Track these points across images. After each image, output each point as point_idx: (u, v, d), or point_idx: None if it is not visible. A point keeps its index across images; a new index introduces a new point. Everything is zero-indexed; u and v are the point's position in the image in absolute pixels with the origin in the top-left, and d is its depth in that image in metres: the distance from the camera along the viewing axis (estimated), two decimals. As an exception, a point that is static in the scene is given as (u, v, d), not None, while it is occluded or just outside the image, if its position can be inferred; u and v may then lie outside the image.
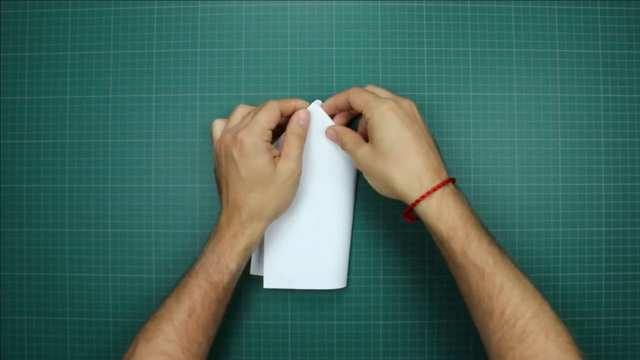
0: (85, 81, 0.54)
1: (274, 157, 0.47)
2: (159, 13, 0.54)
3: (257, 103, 0.54)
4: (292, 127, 0.48)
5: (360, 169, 0.47)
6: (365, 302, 0.54)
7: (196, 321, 0.44)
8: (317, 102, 0.50)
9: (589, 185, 0.54)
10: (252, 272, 0.53)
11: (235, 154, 0.46)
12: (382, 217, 0.54)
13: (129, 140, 0.54)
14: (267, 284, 0.51)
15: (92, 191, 0.54)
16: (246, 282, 0.54)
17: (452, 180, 0.44)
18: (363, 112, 0.46)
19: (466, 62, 0.54)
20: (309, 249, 0.51)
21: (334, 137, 0.50)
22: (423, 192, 0.43)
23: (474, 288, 0.41)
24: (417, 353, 0.53)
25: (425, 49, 0.54)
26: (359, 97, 0.46)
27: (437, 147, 0.46)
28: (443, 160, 0.46)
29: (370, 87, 0.49)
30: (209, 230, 0.54)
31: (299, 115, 0.48)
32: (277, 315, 0.54)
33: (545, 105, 0.54)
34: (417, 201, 0.43)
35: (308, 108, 0.50)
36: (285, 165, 0.46)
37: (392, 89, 0.54)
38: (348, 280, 0.54)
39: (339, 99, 0.49)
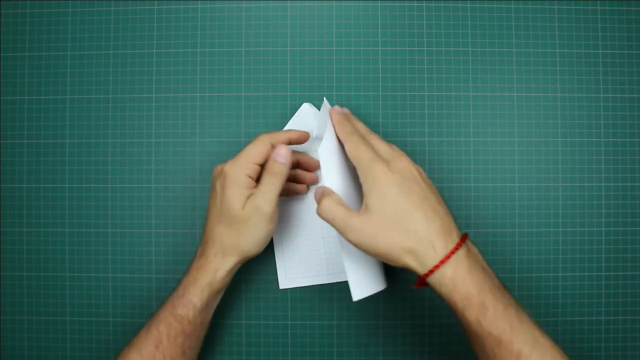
0: (85, 81, 0.54)
1: (248, 197, 0.45)
2: (159, 13, 0.54)
3: (257, 103, 0.54)
4: (269, 164, 0.45)
5: (354, 245, 0.41)
6: (365, 302, 0.54)
7: (162, 353, 0.44)
8: (307, 104, 0.52)
9: (589, 185, 0.54)
10: (282, 286, 0.52)
11: (218, 185, 0.46)
12: (382, 217, 0.54)
13: (129, 140, 0.54)
14: (282, 285, 0.51)
15: (92, 191, 0.54)
16: (246, 282, 0.54)
17: (464, 239, 0.41)
18: (355, 166, 0.42)
19: (466, 62, 0.54)
20: (318, 244, 0.51)
21: (318, 197, 0.43)
22: (437, 261, 0.39)
23: (491, 356, 0.39)
24: (417, 353, 0.53)
25: (425, 49, 0.54)
26: (354, 150, 0.42)
27: (446, 205, 0.42)
28: (452, 215, 0.42)
29: (372, 141, 0.44)
30: (209, 230, 0.54)
31: (278, 152, 0.45)
32: (277, 315, 0.54)
33: (545, 105, 0.54)
34: (431, 271, 0.39)
35: (301, 108, 0.51)
36: (252, 203, 0.44)
37: (392, 89, 0.54)
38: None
39: (341, 134, 0.45)
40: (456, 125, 0.54)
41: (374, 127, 0.52)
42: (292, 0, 0.54)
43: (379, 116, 0.53)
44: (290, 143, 0.47)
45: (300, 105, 0.52)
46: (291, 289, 0.53)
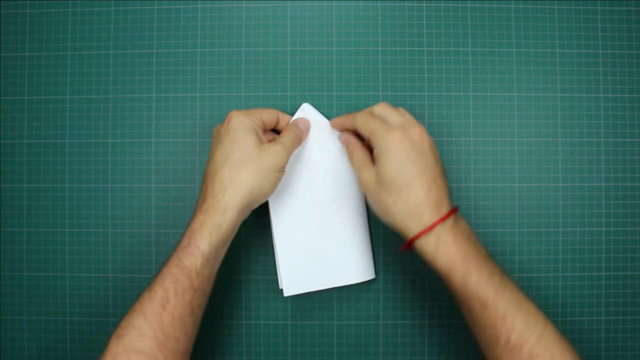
0: (85, 81, 0.54)
1: (260, 140, 0.46)
2: (159, 13, 0.54)
3: (257, 103, 0.54)
4: (292, 125, 0.49)
5: (362, 191, 0.47)
6: (365, 302, 0.54)
7: (171, 313, 0.41)
8: (307, 104, 0.52)
9: (589, 185, 0.54)
10: (286, 293, 0.50)
11: (222, 130, 0.46)
12: (382, 217, 0.54)
13: (129, 140, 0.54)
14: (287, 292, 0.50)
15: (92, 191, 0.54)
16: (246, 282, 0.54)
17: (453, 212, 0.43)
18: (369, 140, 0.45)
19: (466, 62, 0.54)
20: (323, 248, 0.50)
21: (344, 146, 0.50)
22: (421, 229, 0.42)
23: (477, 319, 0.41)
24: (417, 353, 0.53)
25: (425, 49, 0.54)
26: (365, 125, 0.46)
27: (445, 175, 0.45)
28: (448, 189, 0.44)
29: (381, 107, 0.47)
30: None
31: (300, 120, 0.50)
32: (277, 315, 0.54)
33: (545, 105, 0.54)
34: (415, 237, 0.43)
35: (301, 108, 0.51)
36: (274, 147, 0.46)
37: (392, 89, 0.54)
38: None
39: (345, 123, 0.49)
40: (456, 125, 0.54)
41: (374, 127, 0.52)
42: (292, 0, 0.54)
43: (379, 116, 0.53)
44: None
45: (300, 105, 0.52)
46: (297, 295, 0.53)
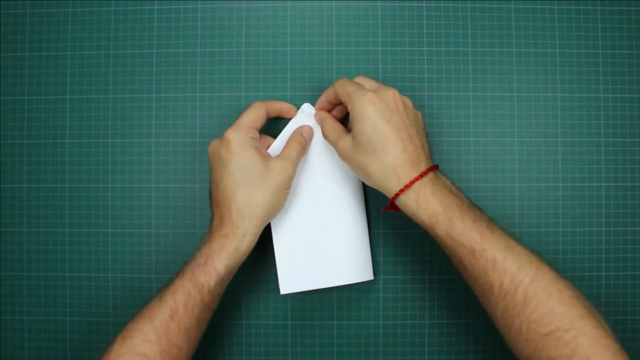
0: (85, 81, 0.54)
1: (264, 156, 0.47)
2: (159, 13, 0.54)
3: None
4: (296, 135, 0.49)
5: (342, 160, 0.47)
6: (365, 302, 0.54)
7: (178, 323, 0.43)
8: (307, 104, 0.52)
9: (589, 185, 0.54)
10: (282, 291, 0.50)
11: (223, 153, 0.46)
12: (382, 217, 0.54)
13: (129, 140, 0.54)
14: (283, 290, 0.50)
15: (92, 191, 0.54)
16: (246, 282, 0.54)
17: (432, 169, 0.44)
18: (345, 104, 0.46)
19: (466, 62, 0.54)
20: (321, 247, 0.50)
21: (319, 122, 0.50)
22: (401, 186, 0.43)
23: (469, 267, 0.42)
24: (417, 353, 0.53)
25: (425, 49, 0.54)
26: (342, 89, 0.46)
27: (425, 135, 0.47)
28: (427, 148, 0.45)
29: (358, 79, 0.49)
30: (209, 230, 0.54)
31: (304, 129, 0.50)
32: (277, 315, 0.54)
33: (545, 105, 0.54)
34: (396, 195, 0.43)
35: (301, 108, 0.51)
36: (280, 164, 0.47)
37: (392, 89, 0.54)
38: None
39: (328, 94, 0.49)
40: (456, 125, 0.54)
41: (374, 127, 0.52)
42: (292, 0, 0.55)
43: (379, 116, 0.53)
44: (281, 114, 0.52)
45: (300, 105, 0.52)
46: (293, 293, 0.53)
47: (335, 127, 0.48)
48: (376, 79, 0.54)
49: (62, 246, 0.54)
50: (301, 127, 0.50)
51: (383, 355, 0.53)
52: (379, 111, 0.44)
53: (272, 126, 0.54)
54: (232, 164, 0.45)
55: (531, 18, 0.54)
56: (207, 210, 0.54)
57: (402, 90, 0.54)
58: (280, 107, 0.51)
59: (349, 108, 0.45)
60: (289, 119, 0.52)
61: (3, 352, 0.54)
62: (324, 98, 0.50)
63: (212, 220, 0.47)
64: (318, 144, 0.51)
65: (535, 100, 0.54)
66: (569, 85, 0.54)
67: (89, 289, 0.54)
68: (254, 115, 0.48)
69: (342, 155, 0.46)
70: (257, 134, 0.48)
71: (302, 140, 0.49)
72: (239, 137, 0.46)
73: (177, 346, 0.43)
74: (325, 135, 0.49)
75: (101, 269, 0.54)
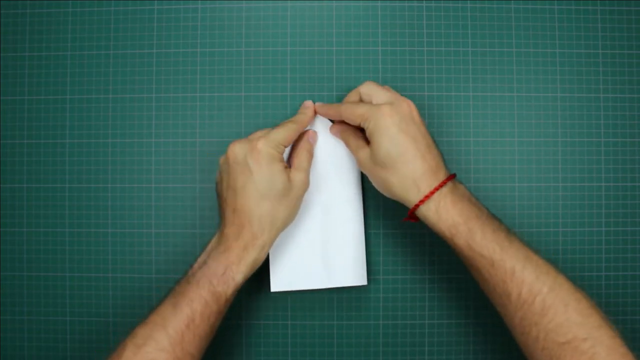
0: (85, 81, 0.54)
1: (287, 170, 0.47)
2: (159, 13, 0.54)
3: (257, 103, 0.54)
4: (303, 143, 0.50)
5: (362, 171, 0.48)
6: (365, 302, 0.54)
7: (193, 332, 0.43)
8: (309, 102, 0.52)
9: (589, 185, 0.54)
10: (273, 289, 0.50)
11: (251, 161, 0.45)
12: (382, 217, 0.54)
13: (129, 140, 0.54)
14: (274, 288, 0.50)
15: (92, 191, 0.54)
16: (246, 282, 0.54)
17: (450, 178, 0.44)
18: (361, 125, 0.46)
19: (466, 62, 0.54)
20: (315, 248, 0.50)
21: (338, 135, 0.50)
22: (421, 197, 0.43)
23: (487, 276, 0.42)
24: (417, 353, 0.53)
25: (425, 49, 0.54)
26: (352, 115, 0.46)
27: (437, 146, 0.46)
28: (442, 158, 0.46)
29: (367, 86, 0.48)
30: (209, 230, 0.54)
31: (309, 134, 0.50)
32: (277, 315, 0.54)
33: (545, 105, 0.54)
34: (416, 206, 0.44)
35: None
36: (298, 176, 0.47)
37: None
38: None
39: (331, 115, 0.50)
40: (456, 125, 0.54)
41: (374, 127, 0.52)
42: (292, 0, 0.55)
43: (379, 116, 0.53)
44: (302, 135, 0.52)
45: (300, 105, 0.52)
46: (284, 292, 0.53)
47: (355, 139, 0.48)
48: (376, 79, 0.54)
49: (62, 246, 0.54)
50: (306, 133, 0.51)
51: (383, 355, 0.53)
52: (395, 123, 0.44)
53: (269, 123, 0.54)
54: (258, 175, 0.45)
55: (531, 18, 0.54)
56: (207, 210, 0.54)
57: (402, 90, 0.54)
58: (306, 134, 0.51)
59: (365, 126, 0.45)
60: (291, 115, 0.52)
61: (3, 352, 0.54)
62: (325, 114, 0.50)
63: (223, 224, 0.47)
64: (318, 148, 0.51)
65: (535, 100, 0.54)
66: (569, 85, 0.54)
67: (89, 289, 0.54)
68: (287, 134, 0.47)
69: (363, 166, 0.47)
70: (284, 152, 0.48)
71: (310, 147, 0.50)
72: (269, 151, 0.46)
73: (190, 354, 0.43)
74: (347, 145, 0.49)
75: (101, 269, 0.54)
